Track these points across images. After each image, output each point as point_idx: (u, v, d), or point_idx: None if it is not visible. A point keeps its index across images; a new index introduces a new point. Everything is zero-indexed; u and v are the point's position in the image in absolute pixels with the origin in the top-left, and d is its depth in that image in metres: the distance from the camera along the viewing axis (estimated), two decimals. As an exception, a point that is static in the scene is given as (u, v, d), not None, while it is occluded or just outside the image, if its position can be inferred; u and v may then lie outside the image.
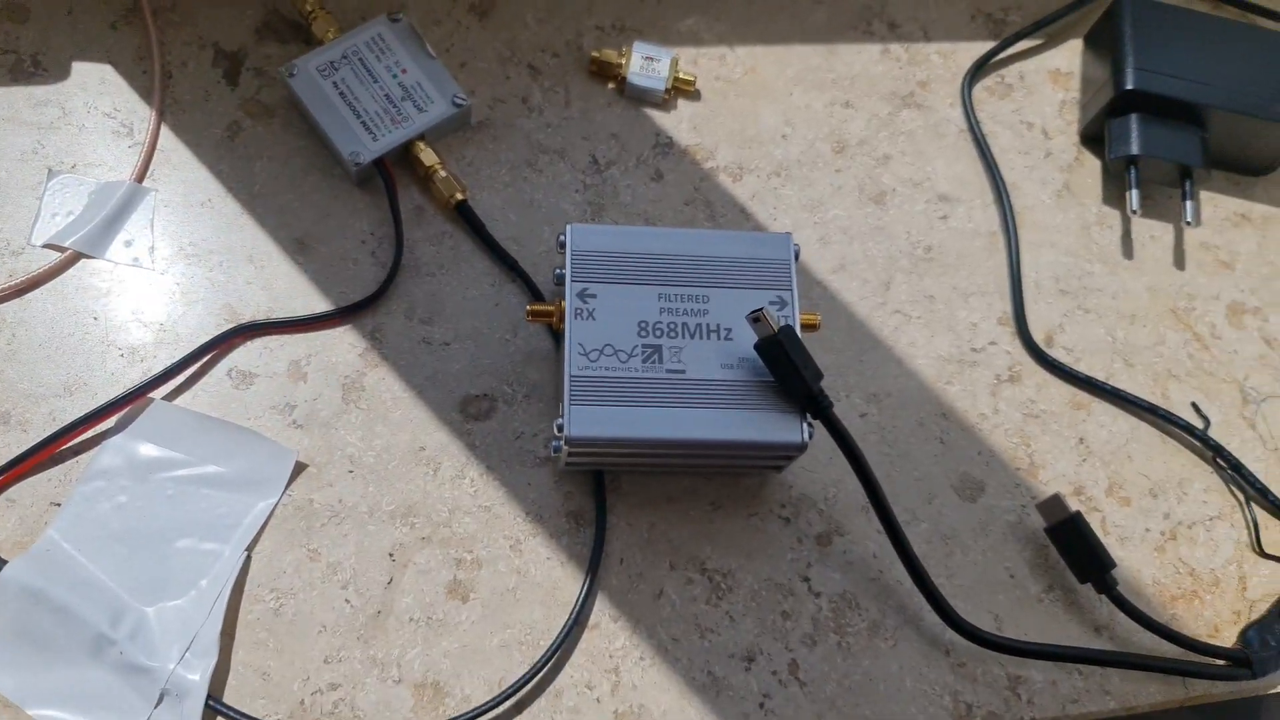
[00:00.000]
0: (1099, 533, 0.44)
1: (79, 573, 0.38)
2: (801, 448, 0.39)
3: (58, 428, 0.40)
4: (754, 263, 0.41)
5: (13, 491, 0.40)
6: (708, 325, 0.40)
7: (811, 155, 0.50)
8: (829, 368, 0.46)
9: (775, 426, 0.39)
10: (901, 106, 0.52)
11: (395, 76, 0.46)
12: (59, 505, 0.40)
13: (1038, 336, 0.48)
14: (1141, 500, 0.46)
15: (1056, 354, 0.48)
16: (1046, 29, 0.54)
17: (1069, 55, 0.55)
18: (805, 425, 0.39)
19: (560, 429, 0.38)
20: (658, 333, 0.40)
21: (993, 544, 0.44)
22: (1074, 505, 0.45)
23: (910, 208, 0.50)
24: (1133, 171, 0.50)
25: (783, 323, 0.40)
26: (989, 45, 0.54)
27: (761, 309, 0.38)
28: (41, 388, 0.42)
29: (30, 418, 0.41)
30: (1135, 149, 0.49)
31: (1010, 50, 0.54)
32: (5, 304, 0.43)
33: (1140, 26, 0.51)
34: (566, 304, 0.40)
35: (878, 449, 0.45)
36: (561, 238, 0.41)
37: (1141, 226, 0.51)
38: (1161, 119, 0.50)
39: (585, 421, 0.38)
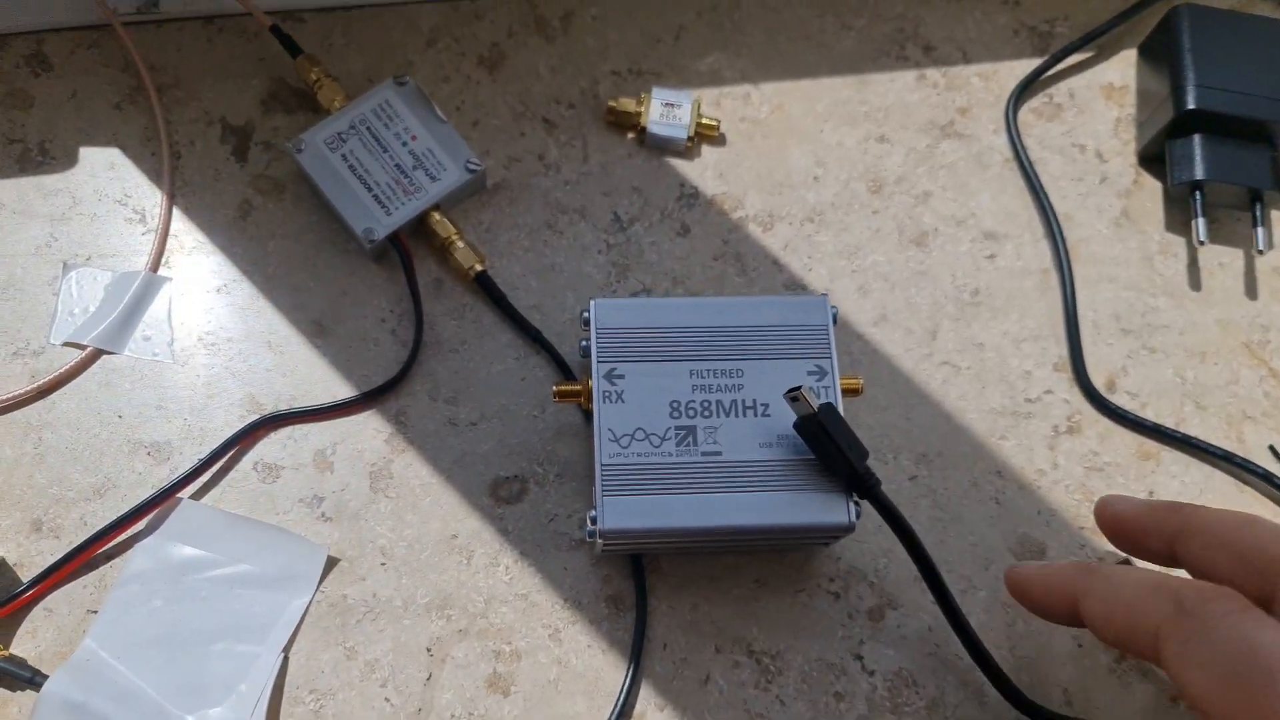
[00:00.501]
0: (1171, 593, 0.44)
1: (119, 682, 0.41)
2: (849, 529, 0.41)
3: (90, 534, 0.43)
4: (789, 330, 0.43)
5: (49, 601, 0.43)
6: (743, 401, 0.42)
7: (846, 197, 0.51)
8: (874, 428, 0.48)
9: (820, 507, 0.40)
10: (941, 137, 0.53)
11: (405, 144, 0.48)
12: (95, 612, 0.43)
13: (1098, 382, 0.49)
14: (1217, 554, 0.46)
15: (1119, 400, 0.48)
16: (1098, 40, 0.55)
17: (1123, 67, 0.55)
18: (851, 505, 0.40)
19: (594, 520, 0.40)
20: (691, 412, 0.41)
21: (1056, 610, 0.45)
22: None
23: (954, 248, 0.51)
24: (1198, 197, 0.50)
25: (822, 399, 0.41)
26: (1035, 63, 0.54)
27: (800, 387, 0.39)
28: (71, 491, 0.44)
29: (62, 524, 0.44)
30: (1199, 174, 0.50)
31: (1058, 66, 0.54)
32: (30, 407, 0.46)
33: (1200, 38, 0.51)
34: (594, 386, 0.41)
35: (929, 513, 0.46)
36: (585, 314, 0.43)
37: (1209, 254, 0.51)
38: (1227, 139, 0.50)
39: (620, 513, 0.40)
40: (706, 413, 0.42)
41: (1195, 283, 0.51)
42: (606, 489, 0.40)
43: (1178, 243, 0.52)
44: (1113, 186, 0.52)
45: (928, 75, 0.54)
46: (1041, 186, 0.52)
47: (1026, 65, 0.54)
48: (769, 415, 0.42)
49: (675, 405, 0.42)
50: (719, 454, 0.41)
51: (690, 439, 0.41)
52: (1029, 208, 0.52)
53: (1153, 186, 0.53)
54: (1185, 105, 0.50)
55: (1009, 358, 0.49)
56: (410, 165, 0.48)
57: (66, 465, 0.45)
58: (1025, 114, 0.54)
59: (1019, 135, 0.53)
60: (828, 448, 0.40)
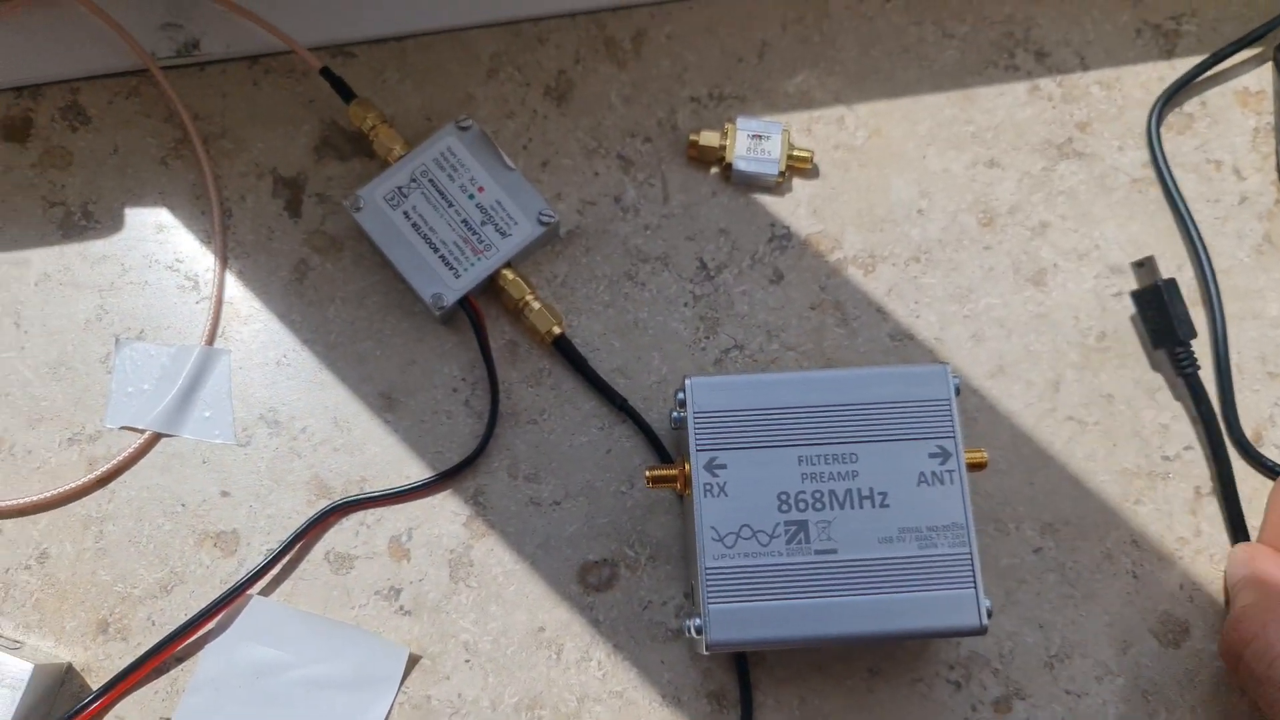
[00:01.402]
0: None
1: (197, 800, 0.37)
2: (981, 631, 0.35)
3: (160, 636, 0.39)
4: (906, 406, 0.37)
5: (120, 709, 0.39)
6: (859, 490, 0.36)
7: (955, 232, 0.45)
8: (993, 494, 0.42)
9: (948, 610, 0.35)
10: (1058, 158, 0.46)
11: (472, 197, 0.42)
12: (168, 721, 0.39)
13: (1246, 432, 0.42)
14: (1380, 626, 0.40)
15: (1269, 454, 0.42)
16: (1256, 44, 0.46)
17: (1260, 69, 0.47)
18: (983, 606, 0.35)
19: (699, 629, 0.35)
20: (801, 505, 0.36)
21: (1203, 698, 0.39)
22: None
23: (1077, 286, 0.44)
24: (1355, 221, 0.43)
25: (945, 484, 0.36)
26: (1160, 67, 0.46)
27: (1150, 256, 0.41)
28: (137, 589, 0.40)
29: (129, 624, 0.40)
30: (1359, 195, 0.42)
31: (1187, 67, 0.46)
32: (90, 497, 0.41)
33: (1359, 37, 0.43)
34: (693, 478, 0.36)
35: (1058, 590, 0.41)
36: (680, 394, 0.37)
37: (1365, 282, 0.44)
38: (1391, 153, 0.42)
39: (728, 624, 0.35)
40: (818, 505, 0.36)
41: (1351, 317, 0.44)
42: (711, 596, 0.35)
43: (1330, 270, 0.44)
44: (1253, 208, 0.45)
45: (1041, 86, 0.46)
46: (1189, 213, 0.44)
47: (1152, 70, 0.47)
48: (888, 506, 0.36)
49: (784, 497, 0.36)
50: (834, 552, 0.35)
51: (802, 536, 0.36)
52: (1160, 236, 0.45)
53: (1297, 206, 0.45)
54: (1346, 118, 0.42)
55: (1142, 410, 0.43)
56: (479, 221, 0.42)
57: (131, 560, 0.41)
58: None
59: (1164, 155, 0.45)
60: (1160, 318, 0.41)
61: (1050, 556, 0.41)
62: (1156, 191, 0.45)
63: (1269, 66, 0.47)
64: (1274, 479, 0.42)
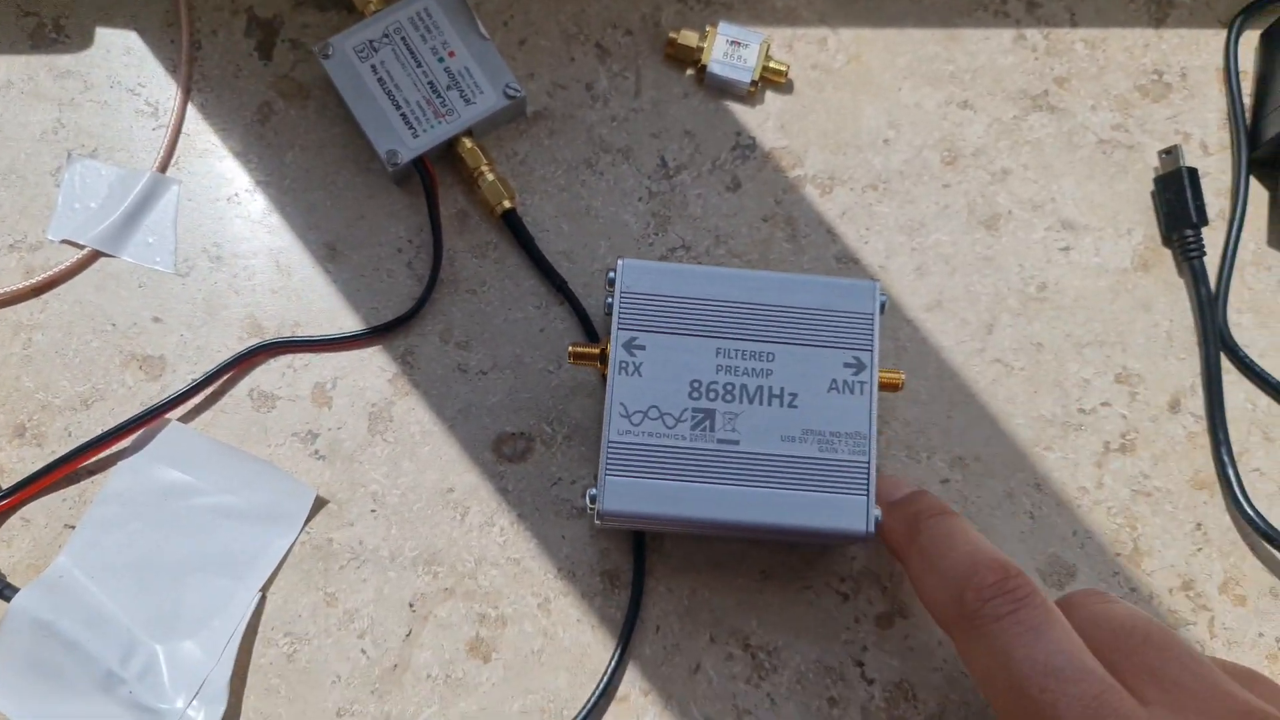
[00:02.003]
0: (1205, 634, 0.42)
1: (91, 604, 0.40)
2: (865, 537, 0.38)
3: (74, 445, 0.42)
4: (831, 315, 0.39)
5: (27, 510, 0.42)
6: (770, 389, 0.39)
7: (916, 166, 0.47)
8: (910, 423, 0.44)
9: (838, 512, 0.38)
10: (1031, 109, 0.48)
11: (441, 60, 0.44)
12: (73, 528, 0.42)
13: (1161, 400, 0.45)
14: (1259, 600, 0.43)
15: (1184, 422, 0.45)
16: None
17: (1246, 50, 0.49)
18: (871, 514, 0.38)
19: (594, 498, 0.38)
20: (712, 395, 0.39)
21: (1079, 641, 0.43)
22: (1180, 602, 0.43)
23: (1026, 235, 0.47)
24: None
25: (856, 394, 0.38)
26: (1146, 34, 0.49)
27: (1176, 145, 0.46)
28: (58, 399, 0.43)
29: (46, 431, 0.43)
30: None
31: (1175, 39, 0.49)
32: (22, 305, 0.44)
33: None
34: (611, 355, 0.39)
35: (958, 522, 0.44)
36: (611, 274, 0.39)
37: (1309, 271, 0.47)
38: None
39: (622, 495, 0.38)
40: (729, 397, 0.39)
41: (1289, 303, 0.46)
42: (611, 468, 0.38)
43: (1275, 258, 0.47)
44: (1212, 185, 0.48)
45: (1027, 36, 0.49)
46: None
47: (1138, 36, 0.49)
48: (795, 407, 0.39)
49: (696, 385, 0.39)
50: (736, 443, 0.38)
51: (708, 424, 0.38)
52: (1116, 199, 0.47)
53: (1259, 194, 0.48)
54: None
55: (1068, 362, 0.45)
56: (444, 84, 0.44)
57: (55, 371, 0.43)
58: (1130, 91, 0.48)
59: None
60: (1174, 203, 0.45)
61: (955, 488, 0.44)
62: (1120, 155, 0.48)
63: (1254, 48, 0.49)
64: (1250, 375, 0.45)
